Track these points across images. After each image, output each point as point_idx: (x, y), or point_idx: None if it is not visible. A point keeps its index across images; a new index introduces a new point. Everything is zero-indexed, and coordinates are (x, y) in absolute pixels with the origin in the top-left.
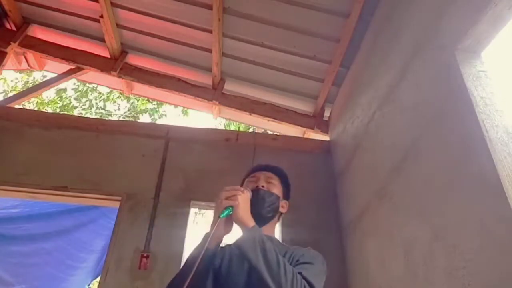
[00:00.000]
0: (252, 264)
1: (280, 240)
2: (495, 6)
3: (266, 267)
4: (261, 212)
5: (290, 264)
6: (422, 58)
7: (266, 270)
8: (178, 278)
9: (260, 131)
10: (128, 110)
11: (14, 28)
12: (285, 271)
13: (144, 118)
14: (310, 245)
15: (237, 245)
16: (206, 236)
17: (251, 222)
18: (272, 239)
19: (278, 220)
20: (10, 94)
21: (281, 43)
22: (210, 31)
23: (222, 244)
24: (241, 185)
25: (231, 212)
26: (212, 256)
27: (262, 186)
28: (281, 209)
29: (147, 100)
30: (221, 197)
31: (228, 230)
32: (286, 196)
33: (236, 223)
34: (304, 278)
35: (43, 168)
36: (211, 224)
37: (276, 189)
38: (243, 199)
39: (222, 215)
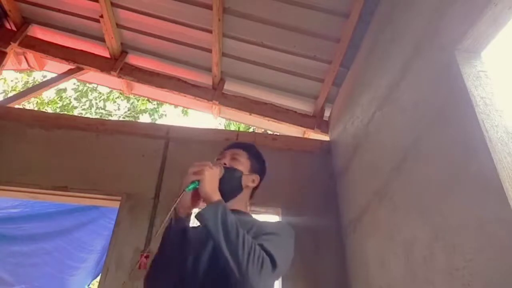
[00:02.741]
0: (211, 235)
1: None
2: (495, 6)
3: (224, 238)
4: (223, 187)
5: (256, 236)
6: (422, 58)
7: (224, 241)
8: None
9: (260, 131)
10: (128, 110)
11: (14, 28)
12: (243, 243)
13: (144, 118)
14: (310, 245)
15: (198, 215)
16: (173, 209)
17: (217, 196)
18: (238, 212)
19: (251, 195)
20: (10, 94)
21: (281, 43)
22: (210, 31)
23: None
24: None
25: (197, 186)
26: (182, 224)
27: (225, 164)
28: (249, 184)
29: (147, 100)
30: (189, 171)
31: (196, 204)
32: (256, 170)
33: (202, 196)
34: (263, 249)
35: (43, 168)
36: (176, 198)
37: (241, 165)
38: (211, 174)
39: (187, 189)
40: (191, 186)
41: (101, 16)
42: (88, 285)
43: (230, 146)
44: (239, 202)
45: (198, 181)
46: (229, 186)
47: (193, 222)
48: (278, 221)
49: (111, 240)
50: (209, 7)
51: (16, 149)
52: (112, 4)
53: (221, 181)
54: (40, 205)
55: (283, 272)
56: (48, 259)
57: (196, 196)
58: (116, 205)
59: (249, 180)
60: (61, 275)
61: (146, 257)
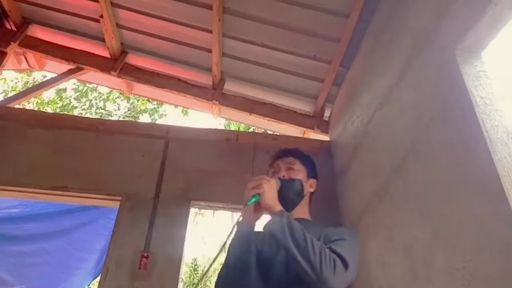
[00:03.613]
0: (281, 243)
1: None
2: (495, 6)
3: (294, 245)
4: (288, 200)
5: (325, 243)
6: (422, 58)
7: (295, 248)
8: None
9: (260, 131)
10: (128, 110)
11: (14, 28)
12: (313, 247)
13: (144, 118)
14: None
15: (265, 227)
16: (237, 222)
17: (278, 207)
18: (303, 220)
19: (310, 200)
20: (10, 94)
21: (281, 43)
22: (210, 31)
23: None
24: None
25: (258, 200)
26: (246, 238)
27: (283, 176)
28: (309, 189)
29: (147, 100)
30: (248, 187)
31: (258, 217)
32: (312, 174)
33: (264, 209)
34: (333, 251)
35: (43, 168)
36: (241, 213)
37: (299, 173)
38: (269, 186)
39: (249, 203)
40: (252, 200)
41: (101, 16)
42: (88, 285)
43: (279, 156)
44: (301, 210)
45: (259, 194)
46: (291, 196)
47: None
48: (343, 227)
49: (111, 240)
50: (209, 7)
51: (16, 149)
52: (112, 4)
53: (281, 192)
54: (40, 205)
55: (354, 275)
56: (48, 259)
57: (258, 210)
58: (116, 205)
59: (308, 186)
60: (61, 275)
61: (146, 257)
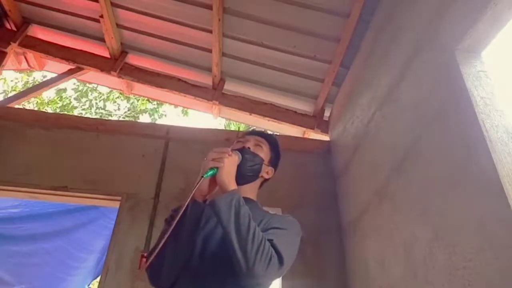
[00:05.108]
0: (223, 224)
1: None
2: (495, 6)
3: (235, 230)
4: (241, 170)
5: (265, 229)
6: (422, 58)
7: (235, 233)
8: (164, 232)
9: None
10: (128, 110)
11: (14, 28)
12: (253, 237)
13: (144, 118)
14: (310, 245)
15: (212, 202)
16: (191, 193)
17: (233, 186)
18: (250, 201)
19: (261, 186)
20: (10, 94)
21: (281, 43)
22: (210, 31)
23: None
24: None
25: (215, 173)
26: (198, 209)
27: (248, 148)
28: (264, 174)
29: (147, 100)
30: (208, 157)
31: (212, 190)
32: (273, 163)
33: (218, 184)
34: (272, 245)
35: (43, 168)
36: (195, 183)
37: (263, 153)
38: (230, 162)
39: (206, 175)
40: (209, 173)
41: (101, 16)
42: (88, 285)
43: (253, 133)
44: (251, 190)
45: (217, 168)
46: (248, 170)
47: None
48: (287, 216)
49: (111, 240)
50: (209, 7)
51: (16, 149)
52: (112, 4)
53: (241, 163)
54: (40, 205)
55: (286, 270)
56: (48, 259)
57: (214, 182)
58: (116, 205)
59: (265, 171)
60: (61, 275)
61: (146, 257)
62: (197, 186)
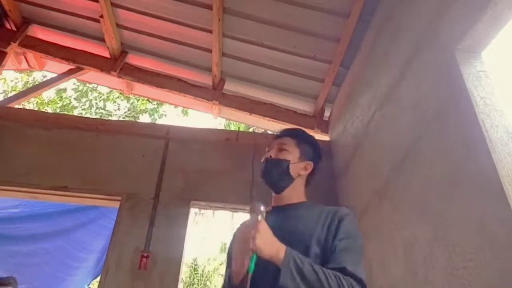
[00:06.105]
0: None
1: None
2: (495, 6)
3: None
4: (272, 181)
5: (330, 230)
6: (422, 58)
7: None
8: None
9: (260, 131)
10: (128, 110)
11: (14, 28)
12: (329, 286)
13: (144, 118)
14: None
15: (279, 285)
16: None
17: (280, 250)
18: (300, 205)
19: (307, 183)
20: (10, 94)
21: (281, 43)
22: (210, 31)
23: None
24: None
25: (256, 258)
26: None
27: (270, 157)
28: (301, 172)
29: (147, 100)
30: (238, 251)
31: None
32: (307, 156)
33: (268, 260)
34: (349, 274)
35: (43, 168)
36: (246, 283)
37: (289, 154)
38: (260, 235)
39: (251, 271)
40: (252, 265)
41: (101, 16)
42: (88, 285)
43: (279, 135)
44: (295, 192)
45: (254, 252)
46: (276, 177)
47: None
48: (347, 214)
49: (111, 240)
50: (209, 7)
51: (16, 149)
52: (112, 4)
53: (267, 175)
54: (40, 205)
55: None
56: (48, 259)
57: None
58: (116, 205)
59: (300, 168)
60: (61, 275)
61: (146, 257)
62: (248, 284)
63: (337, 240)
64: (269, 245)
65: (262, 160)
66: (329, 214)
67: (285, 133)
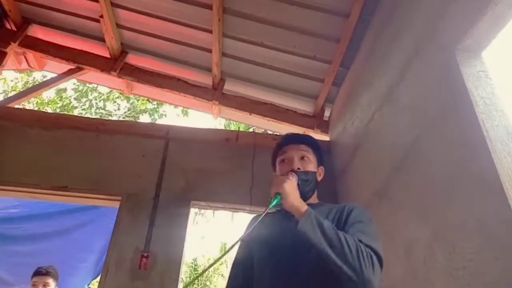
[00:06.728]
0: (316, 246)
1: None
2: (495, 6)
3: (329, 246)
4: (303, 192)
5: (339, 222)
6: (422, 58)
7: (331, 249)
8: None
9: (260, 131)
10: (128, 110)
11: (14, 28)
12: (348, 246)
13: (144, 118)
14: None
15: (298, 231)
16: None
17: (303, 205)
18: (314, 205)
19: (318, 185)
20: (10, 94)
21: (281, 43)
22: (210, 31)
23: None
24: (272, 162)
25: (279, 201)
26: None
27: (298, 169)
28: (319, 178)
29: (147, 100)
30: (271, 187)
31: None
32: (321, 162)
33: (289, 210)
34: (367, 246)
35: (43, 168)
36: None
37: (311, 163)
38: (289, 185)
39: (271, 205)
40: (273, 202)
41: (101, 16)
42: (88, 285)
43: (290, 141)
44: (313, 197)
45: (279, 195)
46: (307, 190)
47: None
48: (357, 206)
49: (111, 240)
50: (209, 7)
51: (16, 149)
52: (112, 4)
53: (300, 187)
54: (40, 205)
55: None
56: (48, 259)
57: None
58: (116, 205)
59: (318, 175)
60: (61, 275)
61: (146, 257)
62: (263, 215)
63: (348, 226)
64: (295, 196)
65: (285, 168)
66: (339, 210)
67: (299, 140)
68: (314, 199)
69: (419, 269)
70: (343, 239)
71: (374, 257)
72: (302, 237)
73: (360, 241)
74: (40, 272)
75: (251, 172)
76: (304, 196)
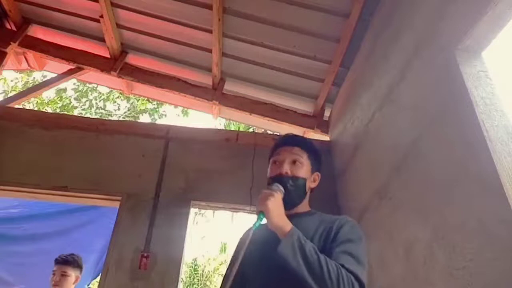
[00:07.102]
0: (295, 271)
1: None
2: (495, 6)
3: (308, 272)
4: (289, 201)
5: (327, 238)
6: (422, 58)
7: (309, 275)
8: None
9: (260, 131)
10: (128, 110)
11: (14, 28)
12: (329, 273)
13: (144, 118)
14: None
15: (277, 253)
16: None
17: (286, 225)
18: (304, 214)
19: (311, 192)
20: (10, 94)
21: (281, 43)
22: (210, 31)
23: None
24: (268, 163)
25: (262, 219)
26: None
27: (286, 173)
28: (311, 184)
29: (147, 100)
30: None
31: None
32: (316, 168)
33: (272, 229)
34: (349, 271)
35: (44, 168)
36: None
37: (303, 168)
38: (273, 203)
39: (255, 227)
40: (257, 223)
41: (101, 16)
42: (88, 285)
43: (285, 142)
44: (303, 204)
45: (262, 212)
46: (295, 197)
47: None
48: (348, 221)
49: (111, 240)
50: (209, 7)
51: (16, 149)
52: (112, 4)
53: (286, 194)
54: (40, 205)
55: None
56: (48, 259)
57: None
58: (116, 205)
59: (311, 182)
60: None
61: (146, 257)
62: (250, 236)
63: (336, 244)
64: (278, 214)
65: (275, 171)
66: (328, 224)
67: (295, 142)
68: (304, 207)
69: (419, 269)
70: (324, 264)
71: (356, 284)
72: (281, 262)
73: (342, 266)
74: (57, 261)
75: (251, 172)
76: (291, 204)
